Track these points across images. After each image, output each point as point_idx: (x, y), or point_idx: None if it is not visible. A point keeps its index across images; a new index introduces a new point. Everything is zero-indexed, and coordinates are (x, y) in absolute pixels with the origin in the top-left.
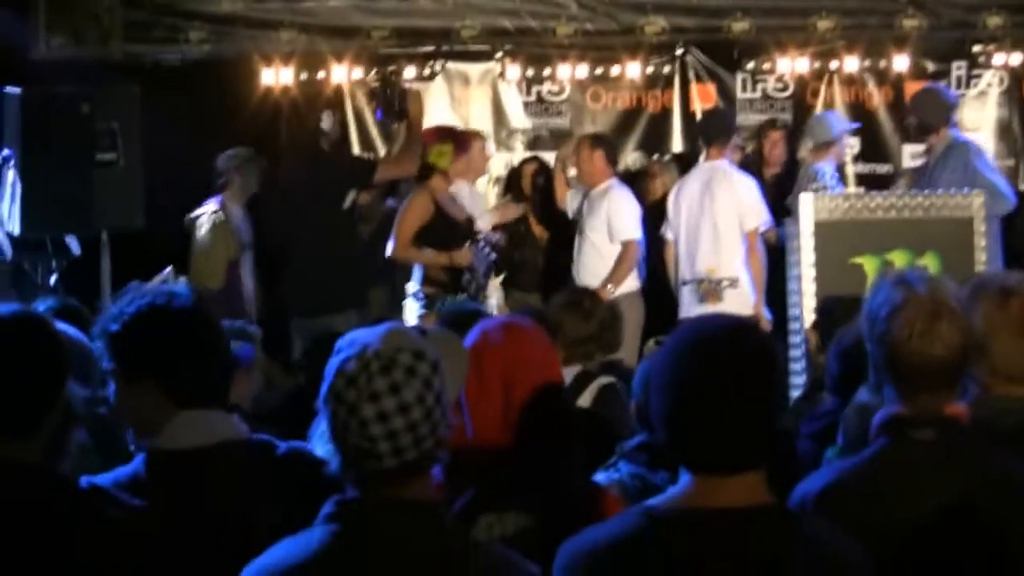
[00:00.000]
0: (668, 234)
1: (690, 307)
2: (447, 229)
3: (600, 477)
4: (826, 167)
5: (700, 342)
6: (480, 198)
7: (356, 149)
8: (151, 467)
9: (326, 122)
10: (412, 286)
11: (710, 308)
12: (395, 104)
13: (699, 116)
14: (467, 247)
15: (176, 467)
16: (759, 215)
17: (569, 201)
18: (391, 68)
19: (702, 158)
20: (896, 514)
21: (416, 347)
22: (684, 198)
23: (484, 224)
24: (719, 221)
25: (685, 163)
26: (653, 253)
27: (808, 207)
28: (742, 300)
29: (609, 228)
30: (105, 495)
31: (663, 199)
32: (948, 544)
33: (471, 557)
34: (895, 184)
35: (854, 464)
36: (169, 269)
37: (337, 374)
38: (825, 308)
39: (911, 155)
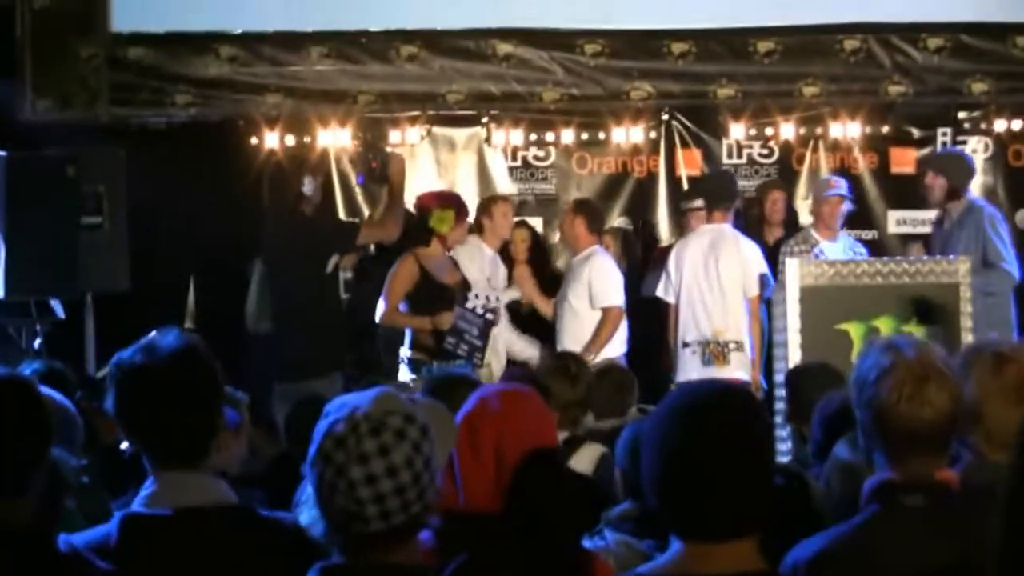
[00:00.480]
0: (668, 296)
1: (691, 369)
2: (434, 293)
3: (585, 544)
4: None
5: (692, 408)
6: (500, 266)
7: (342, 213)
8: (123, 530)
9: (308, 187)
10: (404, 351)
11: (715, 370)
12: (377, 168)
13: (685, 182)
14: (453, 310)
15: (148, 531)
16: (763, 281)
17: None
18: (373, 133)
19: (697, 222)
20: None
21: (406, 411)
22: (687, 260)
23: (506, 297)
24: (725, 284)
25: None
26: (639, 317)
27: (794, 272)
28: (745, 363)
29: (590, 294)
30: (81, 559)
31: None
32: None
33: None
34: (910, 248)
35: (845, 531)
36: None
37: (326, 436)
38: (791, 378)
39: (896, 221)
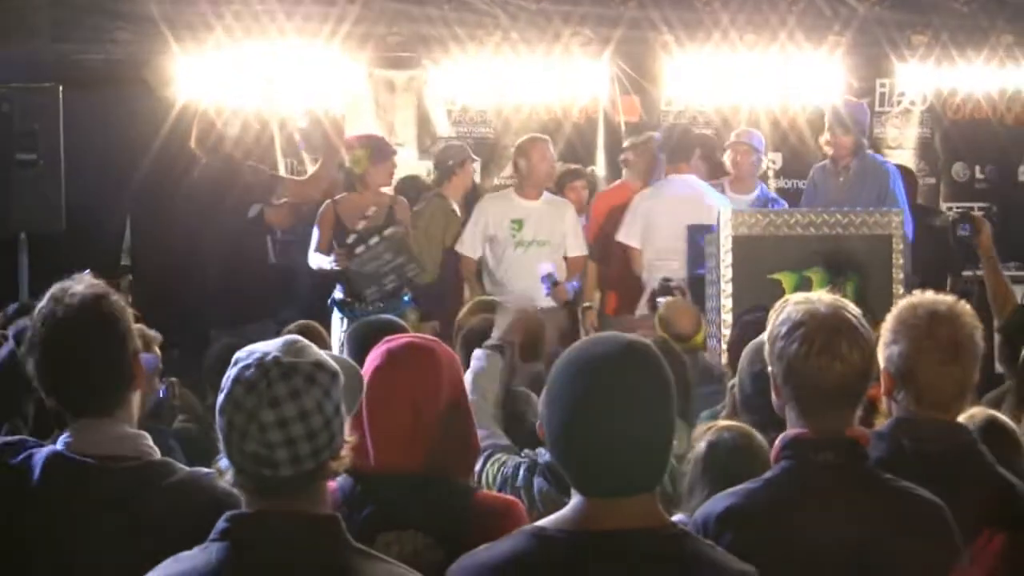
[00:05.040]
0: (632, 241)
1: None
2: (341, 239)
3: (519, 473)
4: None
5: (588, 364)
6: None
7: (280, 162)
8: (45, 468)
9: (230, 126)
10: (335, 293)
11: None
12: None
13: (624, 128)
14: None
15: (65, 474)
16: None
17: None
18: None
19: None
20: (796, 537)
21: (315, 357)
22: (661, 209)
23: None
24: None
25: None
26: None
27: (727, 222)
28: None
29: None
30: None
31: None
32: (844, 568)
33: (367, 573)
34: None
35: (756, 486)
36: (87, 272)
37: (236, 381)
38: (737, 322)
39: None
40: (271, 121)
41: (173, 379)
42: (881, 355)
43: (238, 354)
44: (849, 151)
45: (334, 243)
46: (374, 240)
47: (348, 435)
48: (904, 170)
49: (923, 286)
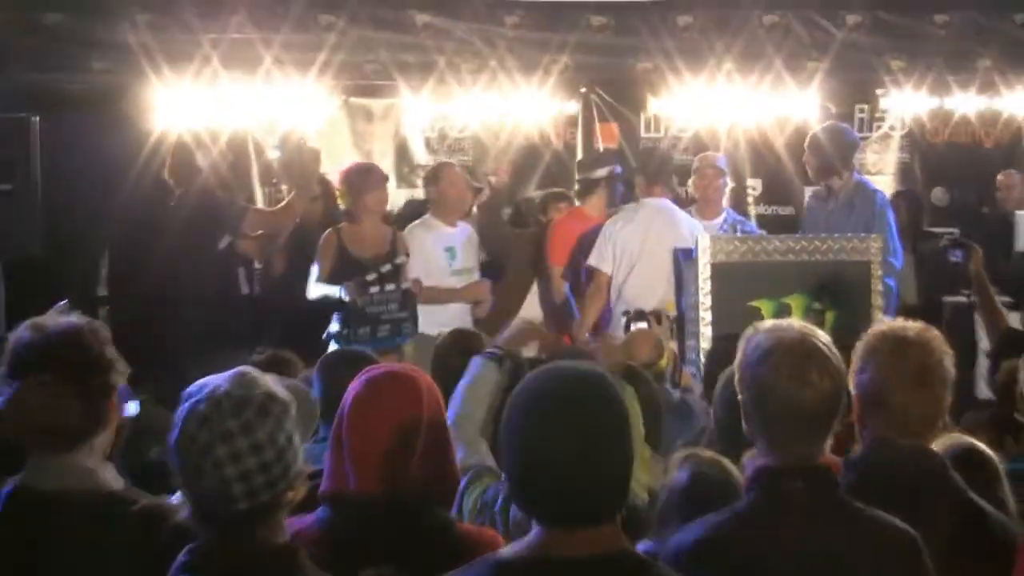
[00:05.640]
0: (603, 266)
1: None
2: (347, 267)
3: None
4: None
5: (542, 395)
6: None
7: (258, 192)
8: (6, 503)
9: (203, 159)
10: (332, 326)
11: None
12: (291, 162)
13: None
14: (348, 288)
15: (24, 508)
16: None
17: None
18: (290, 128)
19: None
20: (766, 569)
21: (267, 388)
22: (634, 233)
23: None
24: (667, 258)
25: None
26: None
27: (705, 249)
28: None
29: None
30: None
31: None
32: None
33: None
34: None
35: (725, 517)
36: (64, 302)
37: (188, 416)
38: (714, 353)
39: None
40: (248, 150)
41: (145, 396)
42: (852, 382)
43: (189, 389)
44: (816, 173)
45: (347, 275)
46: (391, 287)
47: (310, 464)
48: (908, 196)
49: (923, 312)
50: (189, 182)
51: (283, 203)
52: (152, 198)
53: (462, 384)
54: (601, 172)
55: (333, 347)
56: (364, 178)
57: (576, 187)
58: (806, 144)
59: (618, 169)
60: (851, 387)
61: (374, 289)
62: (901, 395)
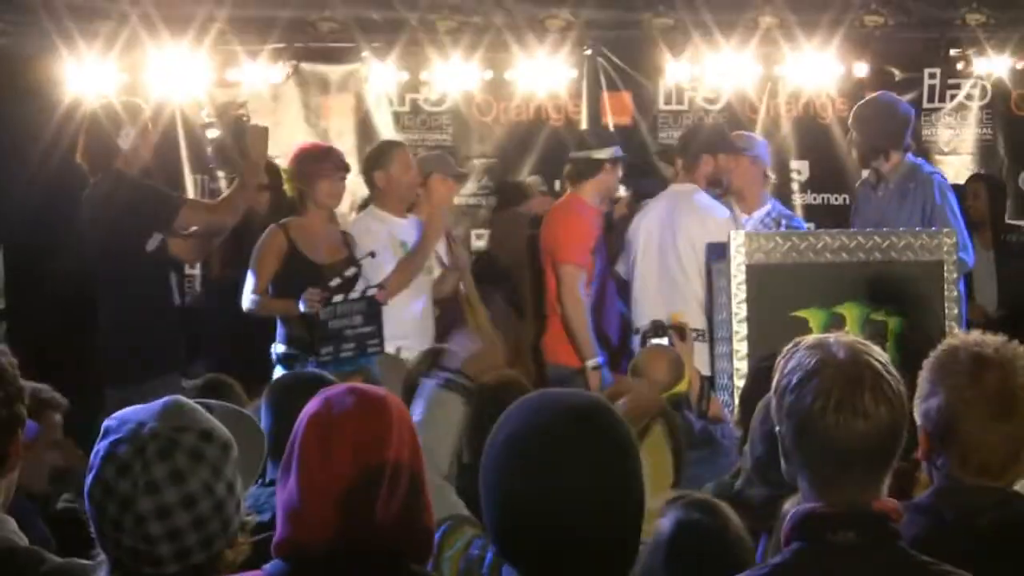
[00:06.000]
0: (621, 270)
1: None
2: (303, 273)
3: None
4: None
5: (530, 437)
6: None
7: (187, 177)
8: None
9: (124, 139)
10: (275, 346)
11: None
12: (230, 144)
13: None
14: (307, 299)
15: None
16: None
17: None
18: (228, 101)
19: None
20: None
21: (201, 426)
22: (643, 230)
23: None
24: (684, 260)
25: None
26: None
27: (739, 247)
28: (705, 357)
29: None
30: None
31: None
32: None
33: None
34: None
35: (762, 574)
36: None
37: (105, 461)
38: (754, 375)
39: None
40: (175, 129)
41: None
42: (917, 411)
43: (108, 423)
44: (862, 156)
45: (299, 281)
46: (355, 295)
47: (255, 515)
48: (988, 180)
49: (1004, 323)
50: (106, 167)
51: (224, 195)
52: (59, 186)
53: (416, 418)
54: (603, 153)
55: (279, 371)
56: (319, 164)
57: (567, 167)
58: (850, 120)
59: (618, 151)
60: (917, 416)
61: (337, 298)
62: (978, 426)
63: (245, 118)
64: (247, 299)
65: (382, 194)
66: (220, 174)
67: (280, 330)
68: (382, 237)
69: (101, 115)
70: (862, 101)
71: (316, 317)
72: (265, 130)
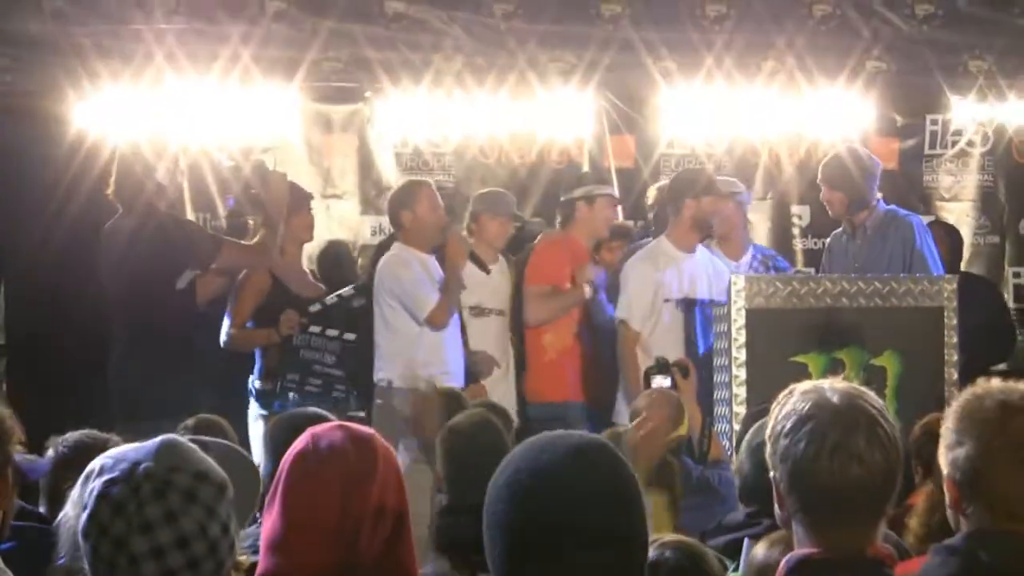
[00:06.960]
0: (630, 318)
1: None
2: (288, 307)
3: None
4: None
5: (536, 476)
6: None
7: (190, 209)
8: None
9: (162, 175)
10: (251, 380)
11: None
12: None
13: (614, 175)
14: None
15: None
16: None
17: None
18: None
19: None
20: None
21: (196, 466)
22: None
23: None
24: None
25: None
26: None
27: (739, 291)
28: None
29: None
30: None
31: None
32: None
33: None
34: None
35: None
36: None
37: (100, 498)
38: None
39: None
40: (178, 167)
41: None
42: (943, 460)
43: (102, 461)
44: (842, 207)
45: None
46: (333, 332)
47: (248, 555)
48: (944, 227)
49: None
50: (136, 203)
51: (256, 239)
52: (84, 220)
53: None
54: (576, 193)
55: (254, 406)
56: (291, 197)
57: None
58: (824, 176)
59: (597, 189)
60: (943, 466)
61: (315, 328)
62: (1008, 473)
63: (262, 163)
64: (224, 333)
65: (408, 233)
66: (248, 219)
67: (258, 363)
68: (416, 269)
69: (130, 152)
70: (828, 157)
71: (289, 341)
72: (284, 175)
